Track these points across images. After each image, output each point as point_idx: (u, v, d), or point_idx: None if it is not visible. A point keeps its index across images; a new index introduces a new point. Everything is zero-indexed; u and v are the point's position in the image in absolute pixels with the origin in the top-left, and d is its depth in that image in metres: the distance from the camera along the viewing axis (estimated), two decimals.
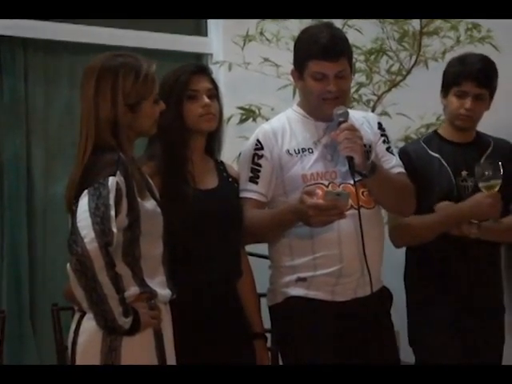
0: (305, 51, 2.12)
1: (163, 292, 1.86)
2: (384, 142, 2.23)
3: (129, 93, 1.81)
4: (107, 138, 1.80)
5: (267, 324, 2.25)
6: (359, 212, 2.09)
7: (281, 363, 2.29)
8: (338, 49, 2.09)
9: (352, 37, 3.03)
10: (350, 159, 2.06)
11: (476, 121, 2.39)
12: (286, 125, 2.19)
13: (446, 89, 2.38)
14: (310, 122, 2.19)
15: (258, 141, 2.17)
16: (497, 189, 2.23)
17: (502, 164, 2.27)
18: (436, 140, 2.42)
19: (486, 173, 2.23)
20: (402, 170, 2.24)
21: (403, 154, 2.34)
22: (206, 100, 2.08)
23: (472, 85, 2.31)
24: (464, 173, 2.34)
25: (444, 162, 2.36)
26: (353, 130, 2.08)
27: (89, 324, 1.76)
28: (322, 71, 2.09)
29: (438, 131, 2.47)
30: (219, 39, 3.31)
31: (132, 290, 1.78)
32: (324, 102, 2.12)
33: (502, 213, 2.31)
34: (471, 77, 2.31)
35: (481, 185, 2.25)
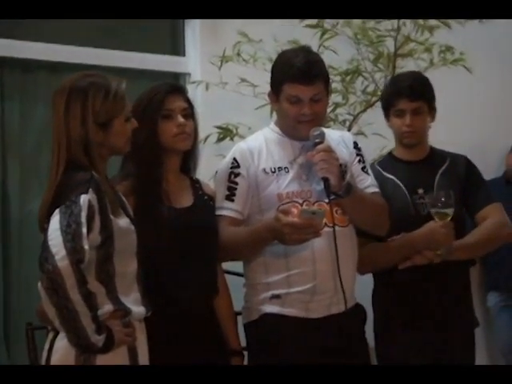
0: (280, 74, 2.14)
1: (138, 309, 1.85)
2: (359, 161, 2.26)
3: (98, 111, 1.82)
4: (79, 157, 1.81)
5: (244, 342, 2.26)
6: (334, 230, 2.11)
7: None
8: (313, 72, 2.11)
9: (328, 58, 3.07)
10: (326, 180, 2.08)
11: (421, 135, 2.41)
12: (262, 144, 2.21)
13: (386, 112, 2.43)
14: (286, 142, 2.21)
15: (234, 159, 2.19)
16: (450, 218, 2.24)
17: (457, 180, 2.31)
18: (390, 161, 2.45)
19: (439, 203, 2.23)
20: (377, 189, 2.27)
21: None
22: (181, 119, 2.09)
23: (406, 101, 2.35)
24: (420, 191, 2.36)
25: (399, 182, 2.37)
26: (329, 151, 2.10)
27: (62, 343, 1.75)
28: (297, 95, 2.11)
29: (392, 152, 2.49)
30: (196, 59, 3.33)
31: (106, 308, 1.77)
32: (299, 125, 2.14)
33: (460, 230, 2.32)
34: (403, 94, 2.35)
35: (433, 211, 2.25)
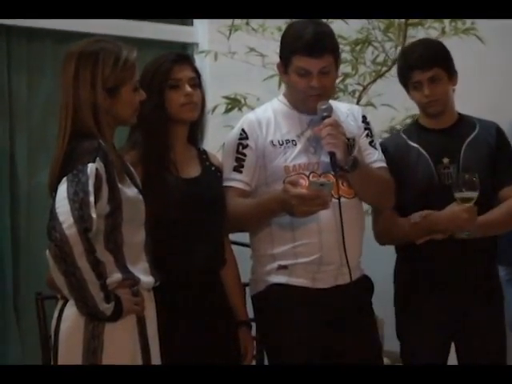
0: (289, 46, 2.12)
1: (146, 279, 1.86)
2: (367, 135, 2.24)
3: (108, 77, 1.81)
4: (88, 122, 1.80)
5: (252, 313, 2.26)
6: (339, 202, 2.10)
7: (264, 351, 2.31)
8: (322, 45, 2.08)
9: (338, 27, 3.02)
10: (332, 155, 2.06)
11: (444, 102, 2.33)
12: (271, 115, 2.20)
13: (405, 86, 2.37)
14: (295, 115, 2.19)
15: (242, 130, 2.18)
16: (473, 202, 2.19)
17: (487, 149, 2.26)
18: (416, 129, 2.39)
19: (463, 187, 2.18)
20: (384, 164, 2.26)
21: (382, 148, 2.31)
22: (188, 89, 2.07)
23: (419, 72, 2.28)
24: (446, 160, 2.30)
25: (423, 151, 2.32)
26: (336, 125, 2.09)
27: (71, 311, 1.76)
28: (306, 67, 2.09)
29: (418, 120, 2.43)
30: (205, 29, 3.30)
31: (115, 277, 1.78)
32: (308, 98, 2.12)
33: (485, 205, 2.26)
34: (415, 66, 2.28)
35: (456, 195, 2.20)
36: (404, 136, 2.38)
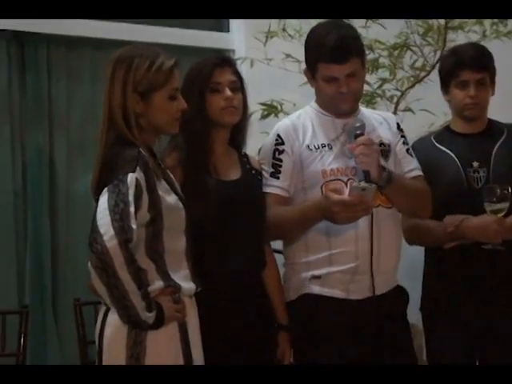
0: (313, 54, 2.09)
1: (187, 286, 1.85)
2: (404, 143, 2.23)
3: (139, 80, 1.81)
4: (119, 126, 1.79)
5: None
6: (375, 212, 2.06)
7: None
8: (347, 50, 2.04)
9: (375, 32, 3.00)
10: (367, 173, 2.04)
11: (483, 107, 2.35)
12: (305, 121, 2.18)
13: (445, 84, 2.35)
14: (329, 119, 2.17)
15: (278, 136, 2.16)
16: (503, 213, 2.18)
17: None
18: (447, 134, 2.39)
19: (494, 197, 2.17)
20: (421, 172, 2.23)
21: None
22: (229, 93, 2.06)
23: (470, 72, 2.28)
24: (475, 164, 2.30)
25: (452, 155, 2.31)
26: (369, 143, 2.05)
27: (114, 317, 1.76)
28: (332, 74, 2.06)
29: (449, 126, 2.42)
30: (241, 35, 3.31)
31: (156, 284, 1.78)
32: (338, 102, 2.10)
33: None
34: (467, 64, 2.28)
35: (487, 207, 2.19)
36: (434, 141, 2.38)
